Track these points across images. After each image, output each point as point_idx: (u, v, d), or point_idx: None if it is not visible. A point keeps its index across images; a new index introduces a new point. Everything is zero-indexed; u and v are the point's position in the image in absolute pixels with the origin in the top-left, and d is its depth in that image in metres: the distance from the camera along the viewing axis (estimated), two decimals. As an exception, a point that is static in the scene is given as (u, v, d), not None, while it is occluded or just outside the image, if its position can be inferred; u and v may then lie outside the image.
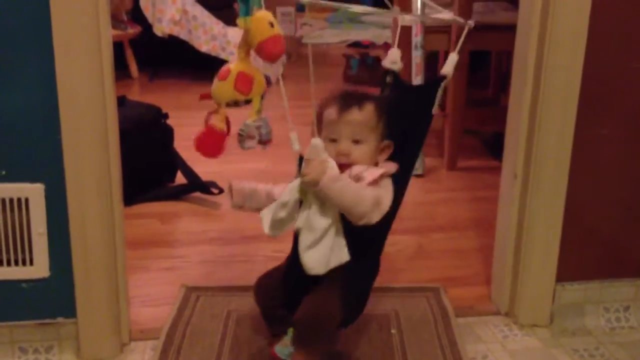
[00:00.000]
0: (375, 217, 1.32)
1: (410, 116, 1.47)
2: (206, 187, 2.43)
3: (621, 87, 1.61)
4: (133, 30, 4.06)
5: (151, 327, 1.64)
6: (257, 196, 1.48)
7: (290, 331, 1.41)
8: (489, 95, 3.50)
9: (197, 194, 2.45)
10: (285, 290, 1.44)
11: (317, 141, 1.32)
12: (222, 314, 1.68)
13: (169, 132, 2.53)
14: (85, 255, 1.47)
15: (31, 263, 1.47)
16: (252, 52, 1.39)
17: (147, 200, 2.38)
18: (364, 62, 4.30)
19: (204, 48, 3.95)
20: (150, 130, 2.46)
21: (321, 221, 1.30)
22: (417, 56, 2.66)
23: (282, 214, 1.34)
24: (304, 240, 1.31)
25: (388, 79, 1.55)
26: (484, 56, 3.57)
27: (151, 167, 2.45)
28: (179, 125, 2.78)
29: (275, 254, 2.05)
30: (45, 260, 1.47)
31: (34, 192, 1.43)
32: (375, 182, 1.35)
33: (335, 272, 1.32)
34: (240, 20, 1.36)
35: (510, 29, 1.72)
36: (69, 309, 1.50)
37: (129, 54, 4.12)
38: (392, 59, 1.54)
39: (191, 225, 2.28)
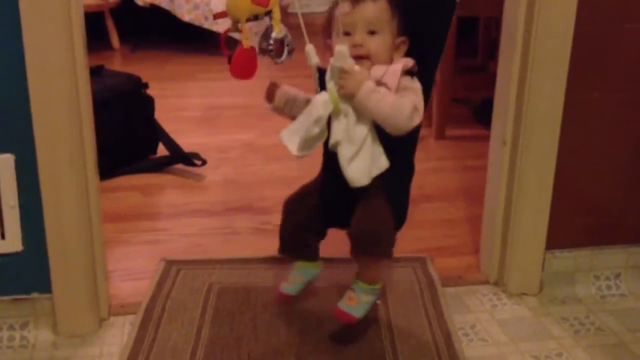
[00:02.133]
0: (414, 124, 1.30)
1: (430, 9, 1.41)
2: (189, 159, 2.37)
3: (613, 48, 1.56)
4: (113, -1, 3.96)
5: (131, 302, 1.60)
6: (298, 103, 1.41)
7: (298, 269, 1.48)
8: (477, 63, 3.45)
9: (180, 166, 2.39)
10: (322, 210, 1.41)
11: (342, 47, 1.27)
12: (203, 288, 1.64)
13: (149, 103, 2.46)
14: (59, 228, 1.42)
15: (2, 237, 1.42)
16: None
17: (128, 173, 2.33)
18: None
19: (186, 17, 3.86)
20: (130, 100, 2.39)
21: (360, 131, 1.28)
22: None
23: (316, 130, 1.29)
24: (346, 153, 1.27)
25: None
26: (472, 23, 3.50)
27: (132, 139, 2.38)
28: (161, 96, 2.72)
29: (262, 226, 2.02)
30: (18, 234, 1.42)
31: (4, 163, 1.38)
32: (398, 85, 1.30)
33: (376, 180, 1.31)
34: None
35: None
36: (44, 284, 1.45)
37: (110, 25, 4.03)
38: None
39: (174, 198, 2.23)
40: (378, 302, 1.58)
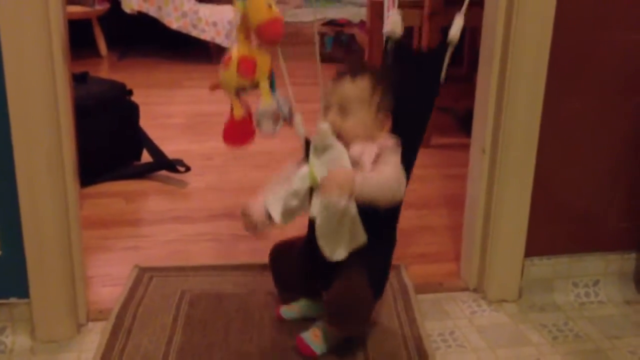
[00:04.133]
0: (400, 195, 1.31)
1: (416, 85, 1.42)
2: (172, 165, 2.38)
3: (591, 57, 1.58)
4: (101, 6, 3.96)
5: (110, 308, 1.59)
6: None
7: (302, 301, 1.50)
8: (462, 72, 3.46)
9: (163, 173, 2.39)
10: (304, 267, 1.43)
11: (324, 125, 1.30)
12: (175, 295, 1.63)
13: (134, 110, 2.46)
14: (37, 234, 1.41)
15: (-20, 242, 1.41)
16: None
17: (111, 179, 2.33)
18: (338, 40, 4.25)
19: (174, 25, 3.87)
20: (114, 107, 2.39)
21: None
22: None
23: (294, 202, 1.31)
24: (321, 229, 1.28)
25: (389, 45, 1.48)
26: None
27: (116, 145, 2.38)
28: (147, 103, 2.73)
29: (242, 233, 1.99)
30: (-5, 239, 1.42)
31: (-19, 168, 1.37)
32: (375, 163, 1.31)
33: (357, 252, 1.32)
34: (237, 3, 1.32)
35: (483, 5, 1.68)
36: (21, 289, 1.45)
37: (98, 32, 4.03)
38: (393, 22, 1.46)
39: (157, 204, 2.23)
40: None
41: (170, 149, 2.46)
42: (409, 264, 1.85)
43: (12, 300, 1.46)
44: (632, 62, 1.59)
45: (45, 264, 1.43)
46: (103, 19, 4.03)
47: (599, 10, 1.55)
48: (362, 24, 4.82)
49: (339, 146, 1.30)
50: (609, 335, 1.57)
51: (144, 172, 2.39)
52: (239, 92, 1.39)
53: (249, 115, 1.41)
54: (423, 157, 2.64)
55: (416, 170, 2.53)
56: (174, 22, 3.87)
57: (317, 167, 1.30)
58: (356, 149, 1.33)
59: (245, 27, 1.35)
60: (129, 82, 2.56)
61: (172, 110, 3.19)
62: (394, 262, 1.78)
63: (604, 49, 1.57)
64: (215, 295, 1.63)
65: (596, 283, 1.72)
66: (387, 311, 1.58)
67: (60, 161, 1.40)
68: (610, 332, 1.58)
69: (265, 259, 1.80)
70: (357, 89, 1.35)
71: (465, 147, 1.76)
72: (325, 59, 4.22)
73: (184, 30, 3.88)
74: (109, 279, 1.74)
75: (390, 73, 1.43)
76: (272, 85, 1.39)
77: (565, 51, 1.55)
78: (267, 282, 1.68)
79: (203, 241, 1.96)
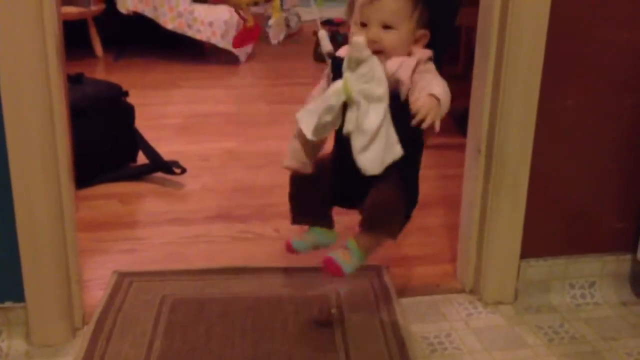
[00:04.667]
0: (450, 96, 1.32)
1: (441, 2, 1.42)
2: (168, 167, 2.37)
3: (586, 55, 1.57)
4: (96, 7, 3.95)
5: (106, 311, 1.59)
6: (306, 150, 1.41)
7: (315, 230, 1.45)
8: (459, 71, 3.46)
9: (159, 174, 2.38)
10: (331, 186, 1.41)
11: (359, 39, 1.27)
12: (156, 300, 1.62)
13: (129, 111, 2.45)
14: (32, 237, 1.41)
15: (-25, 245, 1.41)
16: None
17: (107, 181, 2.32)
18: (334, 39, 4.23)
19: (169, 25, 3.86)
20: (110, 108, 2.39)
21: (372, 122, 1.27)
22: None
23: (328, 117, 1.29)
24: (358, 143, 1.27)
25: None
26: (454, 33, 3.52)
27: (111, 147, 2.38)
28: (143, 104, 2.72)
29: (240, 235, 2.01)
30: (-10, 243, 1.41)
31: (-24, 171, 1.37)
32: (414, 74, 1.31)
33: (390, 167, 1.31)
34: None
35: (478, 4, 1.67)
36: (17, 293, 1.44)
37: (93, 33, 4.02)
38: None
39: (153, 206, 2.22)
40: (333, 311, 1.59)
41: (166, 150, 2.45)
42: (405, 265, 1.85)
43: (8, 304, 1.46)
44: (627, 61, 1.59)
45: (40, 267, 1.43)
46: (98, 19, 4.02)
47: (594, 10, 1.54)
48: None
49: (374, 59, 1.29)
50: (605, 337, 1.57)
51: (140, 174, 2.38)
52: (249, 4, 1.44)
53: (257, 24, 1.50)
54: None
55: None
56: (169, 23, 3.86)
57: (351, 81, 1.29)
58: (392, 63, 1.32)
59: None
60: (125, 82, 2.55)
61: (168, 111, 3.18)
62: (376, 263, 1.78)
63: (599, 48, 1.57)
64: (197, 300, 1.62)
65: (592, 284, 1.72)
66: (368, 313, 1.58)
67: (55, 163, 1.40)
68: (607, 334, 1.58)
69: (260, 261, 1.81)
70: (398, 3, 1.34)
71: (461, 147, 1.76)
72: (321, 58, 4.23)
73: (180, 31, 3.87)
74: (105, 282, 1.72)
75: None
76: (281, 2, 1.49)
77: (561, 51, 1.54)
78: (249, 286, 1.69)
79: (199, 243, 1.96)
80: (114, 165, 2.38)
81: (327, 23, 5.24)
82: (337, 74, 1.34)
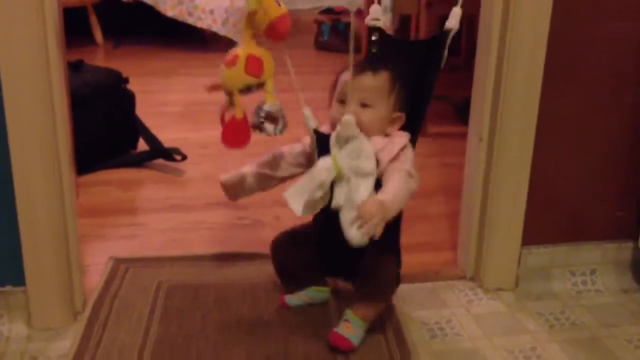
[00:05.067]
0: (415, 189, 1.37)
1: (417, 71, 1.44)
2: (169, 154, 2.37)
3: (589, 45, 1.57)
4: (97, -6, 3.93)
5: (107, 296, 1.59)
6: (246, 183, 1.57)
7: (309, 290, 1.53)
8: (460, 61, 3.46)
9: (160, 161, 2.38)
10: (315, 255, 1.48)
11: (349, 117, 1.31)
12: (152, 286, 1.61)
13: (130, 98, 2.45)
14: (33, 222, 1.41)
15: (-25, 229, 1.41)
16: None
17: (108, 168, 2.32)
18: (335, 28, 4.23)
19: (170, 13, 3.85)
20: (110, 95, 2.38)
21: (362, 196, 1.30)
22: (386, 19, 2.60)
23: (319, 193, 1.32)
24: (347, 217, 1.29)
25: (373, 36, 1.51)
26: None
27: (112, 133, 2.37)
28: (143, 91, 2.71)
29: (239, 221, 2.01)
30: (-9, 227, 1.41)
31: (-24, 155, 1.36)
32: (394, 159, 1.35)
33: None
34: (251, 1, 1.32)
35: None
36: (17, 277, 1.44)
37: (93, 20, 4.01)
38: (373, 16, 1.49)
39: (153, 193, 2.22)
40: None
41: (167, 137, 2.45)
42: (406, 252, 1.84)
43: (8, 288, 1.46)
44: (630, 52, 1.58)
45: (41, 251, 1.43)
46: (99, 6, 4.01)
47: (596, 1, 1.53)
48: (359, 12, 4.80)
49: (362, 137, 1.33)
50: (606, 324, 1.57)
51: (141, 161, 2.38)
52: (241, 91, 1.38)
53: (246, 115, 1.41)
54: (420, 145, 2.62)
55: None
56: (169, 10, 3.85)
57: (340, 157, 1.32)
58: (377, 142, 1.36)
59: (251, 25, 1.35)
60: (124, 70, 2.54)
61: (168, 99, 3.18)
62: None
63: (601, 39, 1.56)
64: (193, 286, 1.62)
65: (593, 272, 1.72)
66: None
67: (55, 150, 1.39)
68: (607, 321, 1.58)
69: (260, 248, 1.81)
70: (378, 82, 1.39)
71: (463, 135, 1.76)
72: (323, 47, 4.22)
73: (180, 18, 3.86)
74: (106, 267, 1.73)
75: (379, 60, 1.45)
76: None
77: (564, 39, 1.54)
78: (245, 272, 1.69)
79: (200, 230, 1.96)
80: (114, 152, 2.38)
81: (328, 12, 5.23)
82: (322, 149, 1.36)
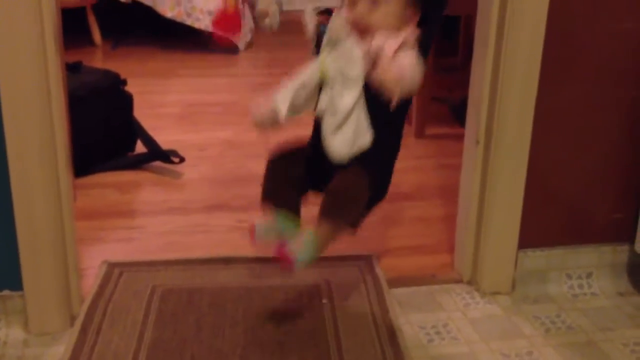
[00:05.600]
0: (417, 85, 1.25)
1: None
2: (167, 156, 2.37)
3: (585, 48, 1.57)
4: (95, -5, 3.93)
5: (104, 299, 1.59)
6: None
7: (281, 214, 1.37)
8: (457, 62, 3.46)
9: (158, 163, 2.38)
10: (306, 175, 1.39)
11: (339, 19, 1.27)
12: (146, 290, 1.61)
13: (127, 99, 2.45)
14: (30, 226, 1.41)
15: (-28, 234, 1.41)
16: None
17: (105, 170, 2.32)
18: (332, 29, 4.21)
19: (168, 14, 3.84)
20: (108, 97, 2.38)
21: (345, 103, 1.26)
22: None
23: (302, 94, 1.28)
24: (329, 124, 1.27)
25: None
26: (453, 24, 3.51)
27: (109, 136, 2.37)
28: (142, 93, 2.71)
29: (238, 224, 2.01)
30: (-12, 232, 1.41)
31: (-27, 159, 1.37)
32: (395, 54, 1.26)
33: (360, 154, 1.30)
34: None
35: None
36: (14, 282, 1.45)
37: (92, 21, 4.00)
38: None
39: (151, 195, 2.22)
40: (324, 301, 1.59)
41: (165, 139, 2.45)
42: (403, 255, 1.85)
43: (5, 292, 1.46)
44: (627, 53, 1.58)
45: (38, 255, 1.43)
46: (97, 7, 4.00)
47: (596, 2, 1.54)
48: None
49: (351, 40, 1.28)
50: (602, 327, 1.57)
51: (138, 163, 2.38)
52: None
53: (239, 10, 1.41)
54: (417, 147, 2.70)
55: (410, 161, 2.57)
56: (168, 11, 3.84)
57: (328, 60, 1.29)
58: (378, 41, 1.28)
59: None
60: (123, 70, 2.54)
61: (167, 100, 3.18)
62: (366, 252, 1.79)
63: (598, 38, 1.57)
64: (187, 290, 1.62)
65: (589, 275, 1.72)
66: (359, 303, 1.58)
67: (53, 152, 1.40)
68: (603, 324, 1.59)
69: (260, 251, 1.81)
70: None
71: (460, 137, 1.76)
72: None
73: (178, 19, 3.85)
74: (103, 270, 1.73)
75: None
76: None
77: (560, 41, 1.54)
78: (239, 276, 1.69)
79: (197, 232, 1.96)
80: (112, 154, 2.37)
81: (326, 12, 5.22)
82: (319, 51, 1.33)
